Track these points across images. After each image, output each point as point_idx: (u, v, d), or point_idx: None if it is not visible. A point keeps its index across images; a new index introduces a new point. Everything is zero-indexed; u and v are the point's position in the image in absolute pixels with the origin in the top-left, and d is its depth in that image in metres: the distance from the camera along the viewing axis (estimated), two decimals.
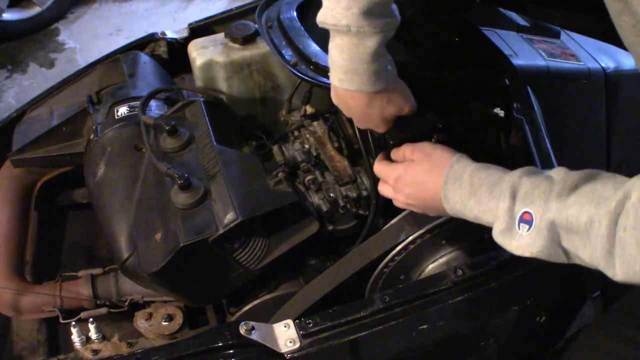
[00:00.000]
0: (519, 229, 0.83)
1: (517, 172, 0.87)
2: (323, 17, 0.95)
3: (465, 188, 0.92)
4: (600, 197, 0.75)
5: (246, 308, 1.29)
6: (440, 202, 0.96)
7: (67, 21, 3.56)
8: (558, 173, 0.83)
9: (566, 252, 0.80)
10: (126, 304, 1.37)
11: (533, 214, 0.81)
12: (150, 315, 1.32)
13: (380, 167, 1.09)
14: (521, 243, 0.83)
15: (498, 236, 0.86)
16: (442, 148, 1.01)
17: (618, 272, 0.73)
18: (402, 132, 1.12)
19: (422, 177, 0.99)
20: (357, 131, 1.22)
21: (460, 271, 1.16)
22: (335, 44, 0.96)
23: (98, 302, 1.38)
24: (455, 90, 1.27)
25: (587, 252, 0.76)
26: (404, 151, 1.06)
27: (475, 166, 0.94)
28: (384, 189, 1.09)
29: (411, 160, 1.04)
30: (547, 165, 1.32)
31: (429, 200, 0.99)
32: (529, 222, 0.82)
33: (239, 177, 1.22)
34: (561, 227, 0.78)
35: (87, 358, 1.24)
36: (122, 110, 1.45)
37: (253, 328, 1.08)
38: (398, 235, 1.22)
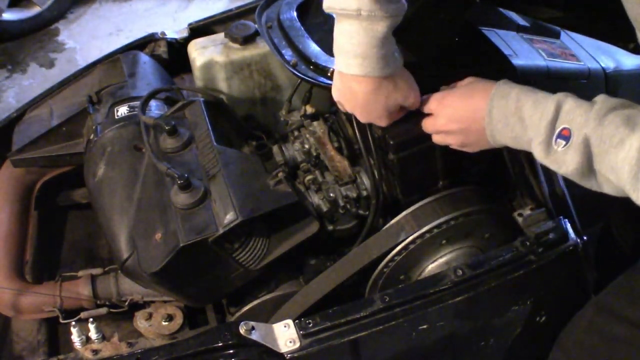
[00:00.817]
0: (555, 144, 0.86)
1: (562, 93, 0.89)
2: (331, 2, 0.95)
3: (512, 104, 0.93)
4: (635, 122, 0.79)
5: (246, 308, 1.29)
6: (482, 122, 0.96)
7: (67, 21, 3.56)
8: (600, 97, 0.86)
9: (596, 175, 0.84)
10: (126, 304, 1.37)
11: (572, 130, 0.85)
12: (150, 315, 1.32)
13: (424, 97, 1.08)
14: (556, 158, 0.86)
15: (536, 147, 0.89)
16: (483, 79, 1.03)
17: None
18: (403, 131, 1.13)
19: (468, 93, 1.00)
20: (357, 131, 1.23)
21: (460, 271, 1.16)
22: (343, 29, 0.96)
23: (98, 302, 1.37)
24: None
25: (615, 173, 0.80)
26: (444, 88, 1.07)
27: (522, 87, 0.95)
28: (425, 121, 1.08)
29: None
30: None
31: (470, 120, 0.99)
32: (567, 139, 0.85)
33: (239, 177, 1.22)
34: (594, 146, 0.82)
35: (87, 358, 1.24)
36: (122, 110, 1.45)
37: (253, 328, 1.08)
38: (398, 235, 1.22)
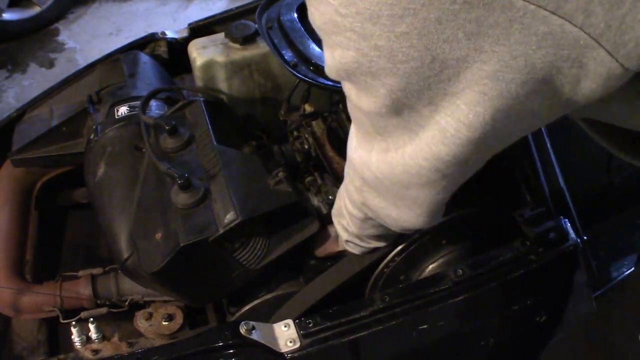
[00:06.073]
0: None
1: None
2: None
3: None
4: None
5: (246, 308, 1.29)
6: None
7: (67, 21, 3.55)
8: None
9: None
10: (126, 303, 1.37)
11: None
12: (150, 315, 1.32)
13: None
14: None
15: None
16: None
17: None
18: None
19: None
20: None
21: (460, 271, 1.16)
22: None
23: (98, 302, 1.37)
24: None
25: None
26: None
27: None
28: None
29: None
30: (547, 165, 1.33)
31: None
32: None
33: (239, 177, 1.22)
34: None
35: (87, 358, 1.24)
36: (122, 110, 1.45)
37: (253, 328, 1.08)
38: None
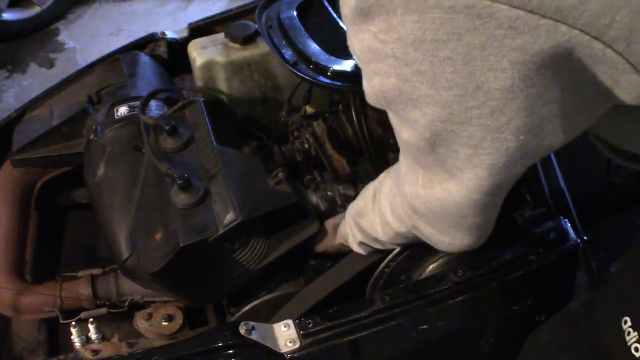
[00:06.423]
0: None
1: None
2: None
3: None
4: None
5: (246, 308, 1.29)
6: None
7: (67, 21, 3.55)
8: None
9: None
10: (126, 304, 1.36)
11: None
12: (150, 315, 1.32)
13: None
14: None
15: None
16: None
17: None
18: None
19: None
20: (358, 129, 1.23)
21: (461, 271, 1.16)
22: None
23: (98, 302, 1.37)
24: None
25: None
26: None
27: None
28: None
29: None
30: (547, 165, 1.32)
31: None
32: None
33: (239, 177, 1.22)
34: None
35: (87, 358, 1.24)
36: (122, 110, 1.44)
37: (253, 328, 1.08)
38: None
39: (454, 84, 0.63)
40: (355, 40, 0.67)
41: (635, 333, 0.81)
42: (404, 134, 0.76)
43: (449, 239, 0.95)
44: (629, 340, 0.81)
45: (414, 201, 0.90)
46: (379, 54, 0.64)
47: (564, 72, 0.62)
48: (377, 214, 1.07)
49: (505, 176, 0.75)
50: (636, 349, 0.80)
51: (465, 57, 0.60)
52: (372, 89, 0.71)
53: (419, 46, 0.61)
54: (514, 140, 0.68)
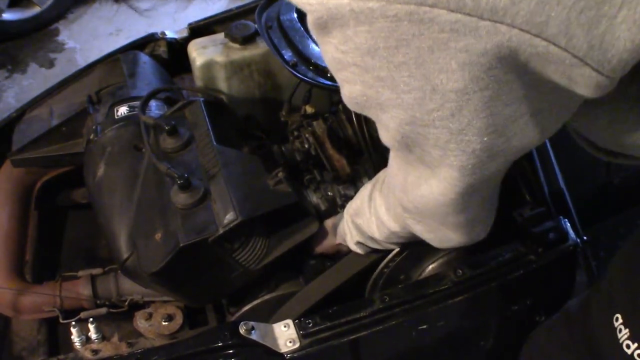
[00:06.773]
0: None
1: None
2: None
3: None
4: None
5: (246, 308, 1.29)
6: None
7: (67, 21, 3.55)
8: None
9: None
10: (126, 304, 1.37)
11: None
12: (150, 315, 1.32)
13: None
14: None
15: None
16: None
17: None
18: None
19: None
20: (358, 130, 1.23)
21: (460, 271, 1.16)
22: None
23: (98, 302, 1.37)
24: None
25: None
26: None
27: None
28: None
29: None
30: (547, 165, 1.32)
31: None
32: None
33: (239, 177, 1.22)
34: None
35: (87, 358, 1.24)
36: (122, 110, 1.44)
37: (253, 328, 1.08)
38: None
39: (412, 87, 0.65)
40: (322, 51, 0.70)
41: (627, 330, 0.81)
42: (382, 135, 0.78)
43: (440, 236, 0.97)
44: (620, 338, 0.82)
45: (403, 199, 0.92)
46: (342, 63, 0.67)
47: (519, 72, 0.63)
48: (372, 213, 1.09)
49: (479, 177, 0.76)
50: (627, 346, 0.81)
51: (417, 60, 0.62)
52: (344, 96, 0.74)
53: (374, 54, 0.63)
54: (478, 141, 0.69)
